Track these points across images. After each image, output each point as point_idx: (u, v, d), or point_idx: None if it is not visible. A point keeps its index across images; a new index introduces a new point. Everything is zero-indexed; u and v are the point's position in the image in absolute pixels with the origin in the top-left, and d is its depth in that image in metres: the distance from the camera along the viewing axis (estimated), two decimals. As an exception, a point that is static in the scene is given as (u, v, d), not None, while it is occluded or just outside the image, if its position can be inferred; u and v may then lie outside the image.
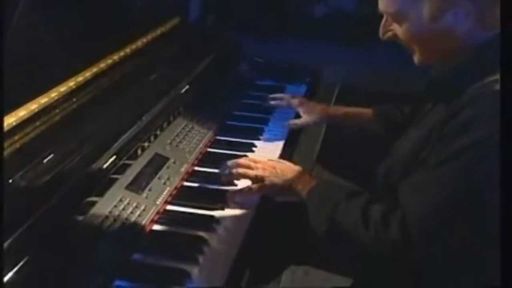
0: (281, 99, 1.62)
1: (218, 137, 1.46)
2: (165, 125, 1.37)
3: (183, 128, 1.40)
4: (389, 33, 1.06)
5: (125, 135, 1.19)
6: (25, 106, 1.07)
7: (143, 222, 1.06)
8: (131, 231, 1.03)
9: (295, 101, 1.57)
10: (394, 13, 1.01)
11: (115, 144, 1.15)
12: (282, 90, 1.79)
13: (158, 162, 1.23)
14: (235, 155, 1.35)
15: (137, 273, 0.95)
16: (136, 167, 1.18)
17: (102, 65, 1.33)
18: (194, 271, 0.96)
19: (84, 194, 1.03)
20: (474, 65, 0.96)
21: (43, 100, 1.12)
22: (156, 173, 1.19)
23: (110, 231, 1.00)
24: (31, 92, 1.11)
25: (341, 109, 1.53)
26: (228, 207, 1.15)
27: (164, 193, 1.15)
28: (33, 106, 1.09)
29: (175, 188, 1.19)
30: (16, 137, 1.03)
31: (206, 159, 1.34)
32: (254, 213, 1.15)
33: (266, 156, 1.35)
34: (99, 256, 0.95)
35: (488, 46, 0.94)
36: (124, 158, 1.17)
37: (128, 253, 0.98)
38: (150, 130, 1.29)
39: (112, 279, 0.92)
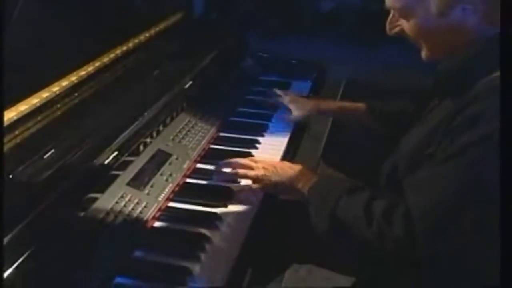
0: (273, 96, 1.63)
1: (221, 134, 1.45)
2: (168, 121, 1.36)
3: (186, 124, 1.39)
4: (396, 29, 1.06)
5: (127, 131, 1.18)
6: (26, 101, 1.07)
7: (145, 219, 1.05)
8: (133, 228, 1.03)
9: (286, 98, 1.58)
10: (401, 9, 1.01)
11: (117, 140, 1.14)
12: (287, 86, 1.78)
13: (160, 158, 1.22)
14: (239, 151, 1.35)
15: (138, 270, 0.95)
16: (138, 163, 1.18)
17: (105, 59, 1.33)
18: (196, 269, 0.95)
19: (85, 190, 1.03)
20: (481, 60, 0.96)
21: (45, 94, 1.11)
22: (158, 170, 1.19)
23: (111, 228, 1.00)
24: (32, 86, 1.10)
25: (333, 104, 1.55)
26: (231, 204, 1.14)
27: (166, 189, 1.15)
28: (34, 100, 1.08)
29: (178, 184, 1.19)
30: (17, 132, 1.03)
31: (209, 155, 1.33)
32: (257, 211, 1.14)
33: (270, 153, 1.36)
34: (100, 253, 0.94)
35: (495, 41, 0.93)
36: (126, 154, 1.16)
37: (129, 250, 0.98)
38: (152, 125, 1.28)
39: (113, 276, 0.91)
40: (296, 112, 1.53)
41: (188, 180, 1.22)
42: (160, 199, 1.12)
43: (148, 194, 1.11)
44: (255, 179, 1.17)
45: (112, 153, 1.12)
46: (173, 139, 1.31)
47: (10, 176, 0.93)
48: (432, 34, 1.00)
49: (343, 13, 3.14)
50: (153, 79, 1.45)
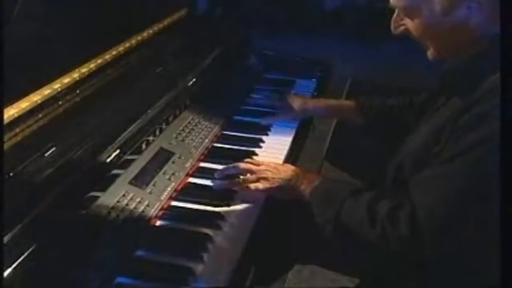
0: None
1: (224, 132, 1.43)
2: (170, 119, 1.35)
3: (189, 122, 1.38)
4: (401, 28, 1.06)
5: (130, 129, 1.18)
6: (27, 98, 1.06)
7: (147, 218, 1.04)
8: (134, 227, 1.02)
9: (276, 97, 1.58)
10: (405, 8, 1.01)
11: (119, 138, 1.14)
12: (291, 84, 1.77)
13: (163, 157, 1.21)
14: (242, 150, 1.33)
15: (139, 270, 0.94)
16: (141, 161, 1.17)
17: (107, 56, 1.32)
18: (198, 268, 0.94)
19: (87, 189, 1.02)
20: (488, 58, 0.95)
21: (46, 91, 1.11)
22: (160, 168, 1.18)
23: (113, 227, 0.99)
24: (34, 83, 1.09)
25: (322, 101, 1.55)
26: (234, 204, 1.13)
27: (169, 188, 1.14)
28: (35, 97, 1.08)
29: (180, 183, 1.18)
30: (18, 130, 1.03)
31: (212, 154, 1.32)
32: (260, 211, 1.13)
33: (274, 152, 1.35)
34: (101, 252, 0.94)
35: None
36: (128, 152, 1.16)
37: (131, 249, 0.97)
38: (155, 124, 1.28)
39: (114, 275, 0.91)
40: (284, 110, 1.52)
41: (191, 179, 1.21)
42: (162, 198, 1.11)
43: (150, 193, 1.10)
44: (257, 182, 1.16)
45: (114, 151, 1.11)
46: (176, 138, 1.30)
47: (11, 174, 0.92)
48: (437, 33, 0.99)
49: (348, 11, 3.13)
50: (156, 76, 1.44)
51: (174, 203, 1.12)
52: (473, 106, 0.92)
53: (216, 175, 1.20)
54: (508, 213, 0.78)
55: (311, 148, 1.46)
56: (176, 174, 1.19)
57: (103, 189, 1.05)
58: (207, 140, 1.35)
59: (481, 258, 0.93)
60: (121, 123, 1.17)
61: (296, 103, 1.53)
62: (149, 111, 1.26)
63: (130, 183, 1.10)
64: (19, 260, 0.83)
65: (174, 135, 1.31)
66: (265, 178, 1.15)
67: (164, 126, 1.31)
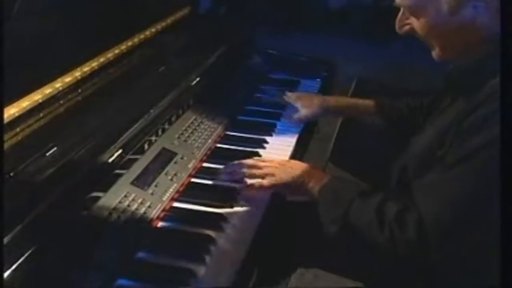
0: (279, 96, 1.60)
1: (228, 132, 1.43)
2: (173, 119, 1.35)
3: (192, 122, 1.38)
4: (406, 27, 1.05)
5: (132, 129, 1.17)
6: (28, 97, 1.06)
7: (149, 219, 1.04)
8: (136, 228, 1.01)
9: (292, 97, 1.55)
10: (411, 7, 1.00)
11: (121, 138, 1.13)
12: (296, 84, 1.76)
13: (165, 157, 1.21)
14: (246, 151, 1.33)
15: (141, 272, 0.93)
16: (143, 162, 1.16)
17: (109, 55, 1.32)
18: (201, 271, 0.94)
19: (88, 189, 1.01)
20: (494, 59, 0.93)
21: (47, 90, 1.11)
22: (163, 169, 1.17)
23: (114, 228, 0.99)
24: (35, 82, 1.09)
25: (341, 100, 1.52)
26: (237, 205, 1.12)
27: (171, 189, 1.13)
28: (36, 96, 1.08)
29: (183, 184, 1.17)
30: (18, 129, 1.02)
31: (215, 155, 1.31)
32: (264, 212, 1.13)
33: (277, 153, 1.34)
34: (102, 254, 0.93)
35: None
36: (130, 152, 1.15)
37: (132, 251, 0.96)
38: (157, 123, 1.27)
39: (115, 277, 0.90)
40: (304, 111, 1.50)
41: (194, 180, 1.20)
42: (164, 199, 1.10)
43: (152, 193, 1.10)
44: (264, 178, 1.15)
45: (116, 151, 1.10)
46: (178, 138, 1.30)
47: (11, 174, 0.92)
48: (443, 32, 0.99)
49: (353, 9, 3.12)
50: (159, 75, 1.44)
51: (176, 204, 1.11)
52: (478, 108, 0.91)
53: (221, 171, 1.20)
54: (508, 213, 0.78)
55: (315, 149, 1.46)
56: (179, 174, 1.18)
57: (105, 189, 1.04)
58: (210, 141, 1.35)
59: (482, 259, 0.93)
60: (123, 123, 1.17)
61: (316, 101, 1.50)
62: (151, 110, 1.25)
63: (132, 183, 1.09)
64: (19, 261, 0.82)
65: (177, 135, 1.30)
66: (271, 174, 1.13)
67: (166, 126, 1.31)
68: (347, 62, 1.91)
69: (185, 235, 1.03)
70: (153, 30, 1.54)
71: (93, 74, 1.25)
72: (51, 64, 1.13)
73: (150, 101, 1.28)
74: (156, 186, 1.12)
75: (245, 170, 1.17)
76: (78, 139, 1.06)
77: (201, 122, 1.39)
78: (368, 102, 1.46)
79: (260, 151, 1.34)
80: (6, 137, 0.98)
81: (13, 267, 0.81)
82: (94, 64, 1.25)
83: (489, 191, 0.87)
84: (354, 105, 1.49)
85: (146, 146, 1.21)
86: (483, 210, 0.89)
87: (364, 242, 1.00)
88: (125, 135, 1.14)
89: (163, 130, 1.29)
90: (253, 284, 0.98)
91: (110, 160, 1.09)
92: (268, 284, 1.05)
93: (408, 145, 1.14)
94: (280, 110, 1.57)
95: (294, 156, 1.35)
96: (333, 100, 1.52)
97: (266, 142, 1.40)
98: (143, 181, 1.11)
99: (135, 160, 1.16)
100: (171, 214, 1.08)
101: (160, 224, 1.05)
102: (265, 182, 1.14)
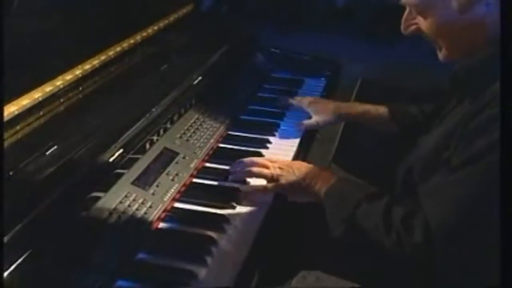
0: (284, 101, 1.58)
1: (230, 132, 1.42)
2: (175, 118, 1.34)
3: (194, 122, 1.37)
4: (412, 27, 1.03)
5: (133, 128, 1.17)
6: (28, 95, 1.06)
7: (149, 220, 1.03)
8: (136, 229, 1.01)
9: (305, 101, 1.52)
10: (418, 5, 0.98)
11: (122, 137, 1.13)
12: (300, 84, 1.75)
13: (166, 157, 1.20)
14: (248, 151, 1.32)
15: (141, 273, 0.93)
16: (144, 161, 1.16)
17: (111, 53, 1.32)
18: (202, 272, 0.93)
19: (88, 189, 1.01)
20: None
21: (48, 88, 1.10)
22: (164, 169, 1.17)
23: (114, 228, 0.98)
24: (35, 79, 1.09)
25: (355, 107, 1.47)
26: (239, 206, 1.12)
27: (172, 189, 1.13)
28: (36, 94, 1.07)
29: (184, 184, 1.17)
30: (18, 127, 1.02)
31: (217, 155, 1.31)
32: (266, 214, 1.12)
33: (280, 153, 1.33)
34: (102, 254, 0.93)
35: None
36: (131, 152, 1.15)
37: (132, 252, 0.96)
38: (159, 123, 1.27)
39: (115, 278, 0.90)
40: (316, 117, 1.46)
41: (195, 180, 1.20)
42: (165, 199, 1.09)
43: (153, 194, 1.09)
44: (270, 178, 1.14)
45: (117, 150, 1.10)
46: (180, 137, 1.29)
47: (11, 174, 0.91)
48: (452, 32, 0.97)
49: (358, 8, 3.10)
50: (161, 74, 1.43)
51: (177, 204, 1.11)
52: (484, 109, 0.90)
53: (230, 169, 1.19)
54: (508, 213, 0.78)
55: (318, 150, 1.45)
56: (180, 174, 1.18)
57: (105, 189, 1.04)
58: (212, 140, 1.34)
59: (483, 259, 0.92)
60: (124, 122, 1.16)
61: (329, 107, 1.45)
62: (153, 109, 1.25)
63: (133, 183, 1.09)
64: (19, 261, 0.82)
65: (179, 135, 1.30)
66: (279, 175, 1.13)
67: (168, 125, 1.30)
68: (351, 61, 1.89)
69: (186, 236, 1.03)
70: (155, 28, 1.54)
71: (94, 72, 1.25)
72: (51, 61, 1.13)
73: (151, 100, 1.27)
74: (157, 186, 1.11)
75: (254, 169, 1.16)
76: (78, 138, 1.06)
77: (204, 122, 1.39)
78: (381, 109, 1.41)
79: (263, 151, 1.34)
80: (6, 135, 0.97)
81: (13, 267, 0.81)
82: (95, 62, 1.25)
83: (495, 194, 0.86)
84: (367, 112, 1.43)
85: (147, 146, 1.21)
86: (489, 212, 0.88)
87: (369, 245, 0.99)
88: (126, 134, 1.14)
89: (165, 130, 1.29)
90: (254, 286, 0.97)
91: (111, 159, 1.08)
92: (270, 286, 1.04)
93: (413, 146, 1.14)
94: (284, 110, 1.56)
95: (297, 156, 1.34)
96: (346, 107, 1.47)
97: (269, 142, 1.39)
98: (144, 181, 1.10)
99: (136, 159, 1.15)
100: (172, 214, 1.08)
101: (161, 224, 1.05)
102: (271, 184, 1.13)
